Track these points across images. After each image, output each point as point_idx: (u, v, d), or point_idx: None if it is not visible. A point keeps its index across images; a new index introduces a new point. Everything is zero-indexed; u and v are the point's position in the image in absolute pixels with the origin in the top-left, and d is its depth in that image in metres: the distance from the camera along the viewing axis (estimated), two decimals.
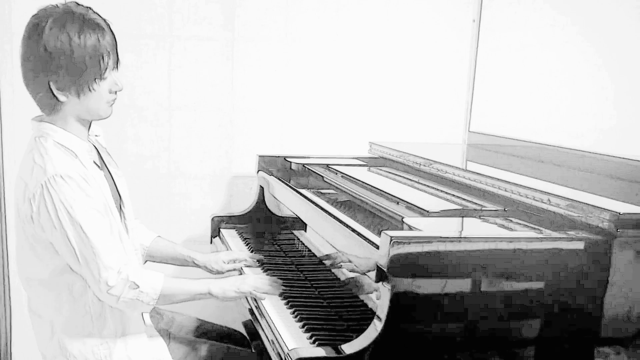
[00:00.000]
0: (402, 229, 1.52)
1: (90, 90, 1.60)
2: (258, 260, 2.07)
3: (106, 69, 1.61)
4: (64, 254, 1.59)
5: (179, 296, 1.68)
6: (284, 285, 1.84)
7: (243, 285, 1.74)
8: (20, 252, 1.69)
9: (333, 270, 1.97)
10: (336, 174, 2.26)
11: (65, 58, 1.55)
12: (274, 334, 1.60)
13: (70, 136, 1.64)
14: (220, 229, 2.52)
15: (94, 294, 1.63)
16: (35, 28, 1.56)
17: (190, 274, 1.96)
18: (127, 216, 1.77)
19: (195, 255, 2.01)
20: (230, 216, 2.55)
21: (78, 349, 1.66)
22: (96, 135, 1.78)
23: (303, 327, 1.61)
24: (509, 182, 1.74)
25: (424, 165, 2.16)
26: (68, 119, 1.64)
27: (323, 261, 2.03)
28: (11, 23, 2.54)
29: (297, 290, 1.85)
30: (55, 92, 1.58)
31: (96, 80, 1.60)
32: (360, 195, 1.95)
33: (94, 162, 1.70)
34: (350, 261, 1.70)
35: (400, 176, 2.22)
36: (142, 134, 2.72)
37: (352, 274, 1.82)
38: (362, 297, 1.77)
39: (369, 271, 1.47)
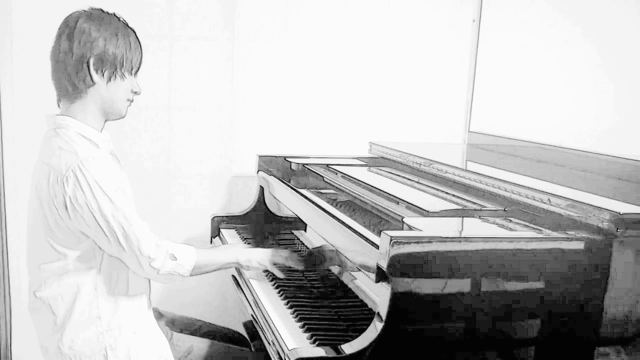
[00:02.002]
0: (402, 229, 1.52)
1: (121, 77, 1.69)
2: None
3: (137, 63, 1.73)
4: (102, 236, 1.62)
5: (210, 267, 1.79)
6: (284, 284, 1.85)
7: (265, 260, 1.87)
8: (34, 242, 1.72)
9: (332, 269, 1.97)
10: (336, 174, 2.26)
11: (110, 40, 1.66)
12: (274, 334, 1.60)
13: (89, 128, 1.69)
14: (220, 229, 2.52)
15: (131, 271, 1.69)
16: (81, 16, 1.67)
17: None
18: None
19: None
20: (230, 216, 2.55)
21: (82, 339, 1.68)
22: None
23: (303, 327, 1.61)
24: (509, 182, 1.74)
25: (424, 165, 2.16)
26: (88, 109, 1.69)
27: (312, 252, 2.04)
28: (11, 23, 2.54)
29: (297, 290, 1.85)
30: (92, 71, 1.65)
31: (128, 70, 1.70)
32: (360, 195, 1.95)
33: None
34: (347, 257, 1.70)
35: (400, 176, 2.22)
36: (142, 133, 2.72)
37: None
38: (362, 296, 1.77)
39: (369, 271, 1.47)
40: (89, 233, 1.63)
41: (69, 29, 1.65)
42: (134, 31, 1.73)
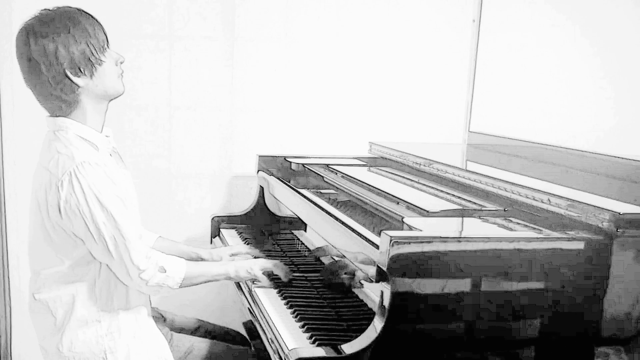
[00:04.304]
0: (402, 229, 1.52)
1: (99, 63, 1.64)
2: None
3: (104, 39, 1.67)
4: (92, 242, 1.61)
5: (199, 278, 1.76)
6: (284, 285, 1.85)
7: (255, 267, 1.84)
8: (34, 246, 1.72)
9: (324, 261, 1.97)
10: (336, 174, 2.26)
11: (68, 41, 1.60)
12: (273, 333, 1.60)
13: (89, 129, 1.68)
14: (220, 229, 2.52)
15: (118, 279, 1.67)
16: (28, 36, 1.60)
17: None
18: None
19: (199, 251, 2.05)
20: (230, 216, 2.55)
21: (82, 341, 1.68)
22: (106, 136, 1.79)
23: (303, 327, 1.61)
24: (509, 182, 1.74)
25: (424, 165, 2.16)
26: (87, 111, 1.67)
27: (318, 257, 2.03)
28: (11, 23, 2.54)
29: (297, 290, 1.85)
30: (73, 78, 1.62)
31: (101, 52, 1.65)
32: (360, 195, 1.95)
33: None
34: (347, 258, 1.70)
35: (400, 176, 2.22)
36: (142, 133, 2.72)
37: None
38: (362, 297, 1.77)
39: (368, 271, 1.47)
40: (80, 237, 1.62)
41: (26, 55, 1.60)
42: (78, 9, 1.65)
